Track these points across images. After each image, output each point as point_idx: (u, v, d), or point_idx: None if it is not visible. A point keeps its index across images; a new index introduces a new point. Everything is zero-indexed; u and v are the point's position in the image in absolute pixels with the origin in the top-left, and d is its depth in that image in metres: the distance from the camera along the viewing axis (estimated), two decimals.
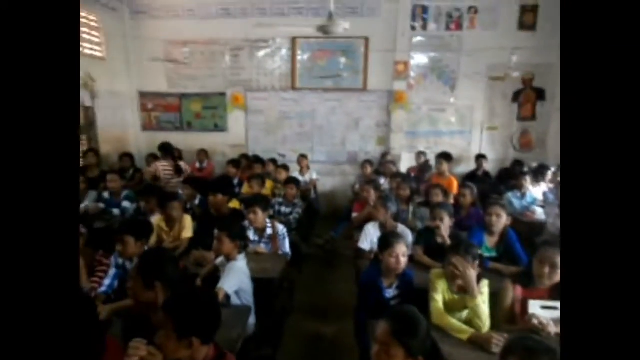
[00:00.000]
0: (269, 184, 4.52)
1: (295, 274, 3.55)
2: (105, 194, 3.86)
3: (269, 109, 6.05)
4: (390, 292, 1.98)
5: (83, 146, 5.12)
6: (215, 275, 2.23)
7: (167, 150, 4.73)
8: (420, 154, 5.63)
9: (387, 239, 1.96)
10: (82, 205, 3.61)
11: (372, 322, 1.80)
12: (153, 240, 2.76)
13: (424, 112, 6.00)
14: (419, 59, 5.83)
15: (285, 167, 4.78)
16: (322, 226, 5.18)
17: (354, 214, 3.57)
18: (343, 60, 5.83)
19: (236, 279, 2.02)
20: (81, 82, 4.97)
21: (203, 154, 5.92)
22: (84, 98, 5.04)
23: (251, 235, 2.74)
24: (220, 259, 2.24)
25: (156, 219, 2.92)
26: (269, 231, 2.81)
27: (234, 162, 5.00)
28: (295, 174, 4.95)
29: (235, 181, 4.75)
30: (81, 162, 4.92)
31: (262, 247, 2.73)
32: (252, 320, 2.16)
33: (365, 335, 1.81)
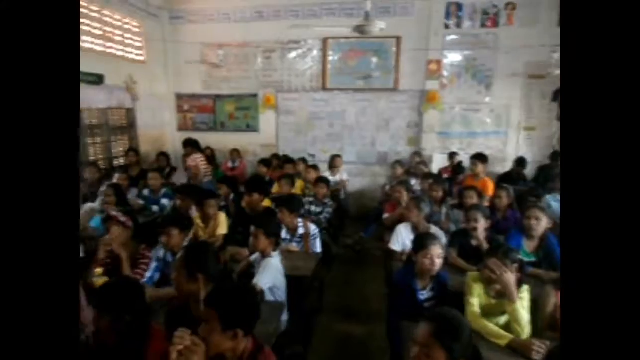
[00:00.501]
0: (299, 183, 4.57)
1: (325, 274, 3.58)
2: (145, 191, 4.05)
3: (300, 109, 6.12)
4: (424, 294, 1.96)
5: (125, 146, 5.41)
6: (249, 272, 2.29)
7: (194, 144, 5.21)
8: (453, 154, 5.50)
9: (422, 240, 1.94)
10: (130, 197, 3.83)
11: (405, 324, 1.80)
12: (190, 236, 2.87)
13: (457, 112, 5.85)
14: (453, 58, 5.69)
15: (315, 167, 4.81)
16: (352, 227, 5.18)
17: (385, 215, 3.54)
18: (374, 60, 5.80)
19: (271, 276, 2.07)
20: (124, 85, 5.25)
21: (235, 153, 6.07)
22: (126, 100, 5.32)
23: (283, 234, 2.79)
24: (255, 256, 2.29)
25: (193, 216, 3.04)
26: (300, 230, 2.84)
27: (265, 162, 5.11)
28: (325, 174, 4.98)
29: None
30: (123, 161, 5.21)
31: (294, 246, 2.77)
32: (284, 316, 2.20)
33: (398, 337, 1.80)
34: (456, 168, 5.12)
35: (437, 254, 1.89)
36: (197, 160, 4.86)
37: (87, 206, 3.40)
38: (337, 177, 5.29)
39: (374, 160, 6.06)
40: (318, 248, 2.90)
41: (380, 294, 3.47)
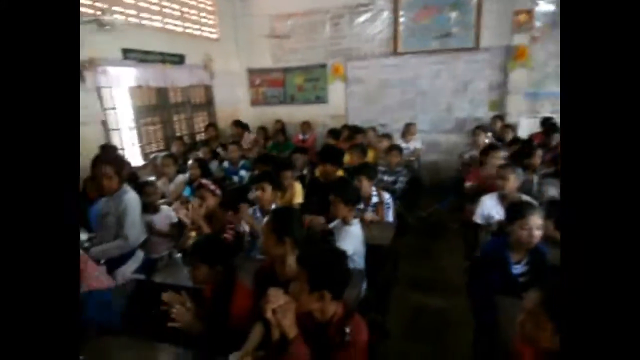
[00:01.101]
0: (371, 153, 4.46)
1: (400, 245, 3.50)
2: (225, 164, 4.30)
3: (369, 77, 5.90)
4: (518, 268, 1.79)
5: (204, 122, 5.77)
6: (327, 239, 2.32)
7: (244, 126, 5.70)
8: (546, 119, 4.89)
9: (520, 209, 1.75)
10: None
11: (498, 299, 1.67)
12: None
13: (550, 70, 5.13)
14: (545, 7, 4.93)
15: (388, 136, 4.64)
16: (426, 198, 4.97)
17: (468, 184, 3.30)
18: (452, 15, 5.27)
19: (352, 243, 2.07)
20: (202, 63, 5.53)
21: (306, 125, 6.12)
22: (204, 78, 5.61)
23: None
24: (335, 223, 2.31)
25: None
26: (374, 199, 2.78)
27: (334, 132, 5.05)
28: (398, 142, 4.79)
29: None
30: (203, 136, 5.58)
31: (371, 214, 2.73)
32: (363, 285, 2.20)
33: (488, 312, 1.68)
34: (549, 132, 4.55)
35: (536, 225, 1.70)
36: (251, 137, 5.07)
37: (179, 178, 3.72)
38: (411, 146, 5.07)
39: (450, 128, 5.66)
40: (391, 217, 2.83)
41: (457, 267, 3.31)
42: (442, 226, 4.45)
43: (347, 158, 4.56)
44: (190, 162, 3.53)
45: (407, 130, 5.14)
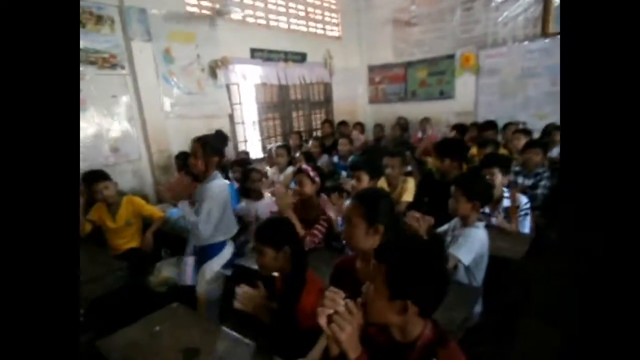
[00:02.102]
0: (504, 152, 3.73)
1: (536, 265, 2.76)
2: (335, 158, 4.21)
3: (507, 66, 5.01)
4: None
5: (322, 119, 5.84)
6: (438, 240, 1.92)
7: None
8: None
9: None
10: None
11: None
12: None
13: None
14: None
15: (526, 132, 3.80)
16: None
17: None
18: None
19: (471, 251, 1.64)
20: (322, 61, 5.61)
21: (425, 122, 5.59)
22: (324, 75, 5.68)
23: None
24: (453, 222, 1.89)
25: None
26: (505, 202, 2.21)
27: (459, 128, 4.42)
28: None
29: None
30: (319, 132, 5.64)
31: (503, 220, 2.18)
32: (478, 307, 1.73)
33: None
34: None
35: None
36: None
37: (290, 169, 3.78)
38: (555, 152, 4.03)
39: None
40: (526, 227, 2.21)
41: None
42: None
43: (473, 154, 3.94)
44: (298, 154, 3.53)
45: (551, 137, 4.08)
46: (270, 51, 4.76)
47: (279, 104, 5.11)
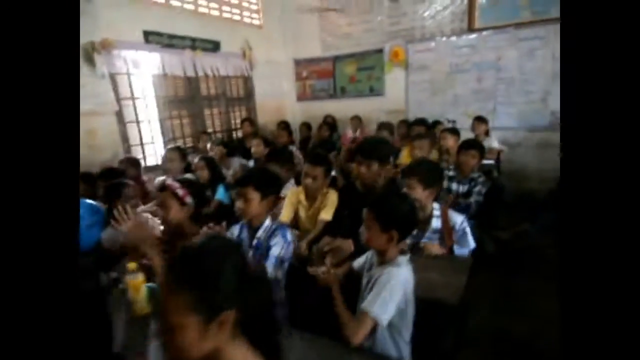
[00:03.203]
0: (434, 153, 3.42)
1: (474, 285, 2.42)
2: (251, 162, 3.59)
3: (436, 62, 4.79)
4: None
5: (242, 117, 5.16)
6: (352, 276, 1.41)
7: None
8: None
9: None
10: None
11: None
12: (287, 216, 2.17)
13: None
14: None
15: (454, 131, 3.54)
16: (508, 214, 3.74)
17: None
18: None
19: (393, 300, 1.14)
20: (240, 51, 4.94)
21: (356, 121, 5.22)
22: (243, 68, 5.01)
23: None
24: (367, 256, 1.39)
25: (293, 190, 2.30)
26: (435, 223, 1.77)
27: (386, 127, 4.05)
28: None
29: None
30: (239, 133, 4.96)
31: (434, 248, 1.73)
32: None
33: None
34: None
35: None
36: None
37: (186, 177, 3.09)
38: (485, 145, 3.88)
39: (545, 124, 4.31)
40: (471, 244, 1.79)
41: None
42: (534, 254, 3.22)
43: (405, 156, 3.59)
44: (196, 160, 2.84)
45: (476, 129, 3.97)
46: (172, 36, 3.98)
47: (187, 100, 4.34)
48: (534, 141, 4.39)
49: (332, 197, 2.13)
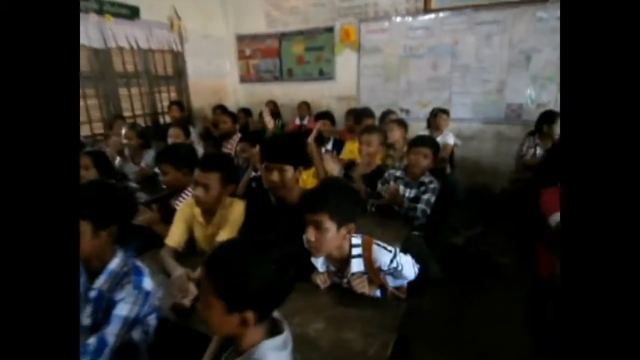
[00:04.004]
0: (382, 150, 3.01)
1: (419, 305, 2.06)
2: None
3: (390, 44, 4.36)
4: None
5: (171, 98, 4.47)
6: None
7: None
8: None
9: None
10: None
11: None
12: (176, 238, 1.64)
13: None
14: None
15: (401, 123, 3.14)
16: (460, 216, 3.46)
17: (553, 217, 1.76)
18: None
19: None
20: (167, 21, 4.20)
21: (304, 107, 4.74)
22: (170, 41, 4.29)
23: (318, 263, 1.32)
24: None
25: (187, 202, 1.76)
26: (355, 267, 1.28)
27: (326, 116, 3.52)
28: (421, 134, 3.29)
29: (330, 143, 3.37)
30: (167, 118, 4.29)
31: (361, 280, 1.28)
32: None
33: None
34: None
35: None
36: None
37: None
38: (439, 141, 3.53)
39: (501, 116, 4.05)
40: (408, 276, 1.38)
41: (524, 340, 1.86)
42: (488, 262, 2.95)
43: (347, 151, 3.17)
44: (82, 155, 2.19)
45: (435, 122, 3.60)
46: None
47: (93, 77, 3.59)
48: (489, 134, 4.14)
49: (237, 211, 1.63)
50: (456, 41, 4.05)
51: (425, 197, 2.11)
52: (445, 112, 3.60)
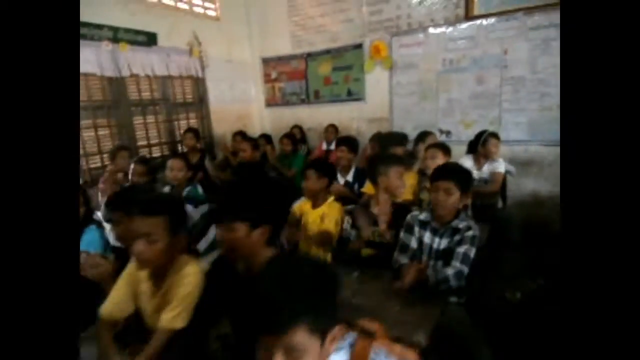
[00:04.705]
0: (411, 178, 2.47)
1: None
2: (166, 188, 2.67)
3: (426, 58, 3.85)
4: None
5: (189, 125, 4.27)
6: None
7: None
8: None
9: None
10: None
11: None
12: (111, 309, 1.24)
13: None
14: None
15: (444, 148, 2.56)
16: (518, 263, 2.76)
17: None
18: None
19: None
20: (186, 46, 4.07)
21: (331, 130, 4.34)
22: (190, 67, 4.14)
23: None
24: None
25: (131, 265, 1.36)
26: None
27: (345, 142, 3.03)
28: (466, 164, 2.69)
29: (351, 174, 2.87)
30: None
31: None
32: None
33: None
34: None
35: None
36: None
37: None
38: (487, 170, 2.87)
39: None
40: None
41: None
42: (550, 326, 2.23)
43: (368, 185, 2.66)
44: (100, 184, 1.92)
45: (485, 147, 2.93)
46: (85, 24, 3.12)
47: (106, 106, 3.46)
48: (550, 158, 3.40)
49: (190, 281, 1.18)
50: (506, 50, 3.44)
51: (460, 250, 1.53)
52: (495, 136, 2.93)
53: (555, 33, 3.20)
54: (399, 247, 1.65)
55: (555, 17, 3.18)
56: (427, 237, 1.65)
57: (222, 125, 4.58)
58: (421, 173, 2.58)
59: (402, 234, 1.71)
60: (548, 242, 3.00)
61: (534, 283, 2.56)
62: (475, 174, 2.71)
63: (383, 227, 1.78)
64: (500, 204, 2.81)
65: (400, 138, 2.93)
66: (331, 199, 2.04)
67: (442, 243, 1.61)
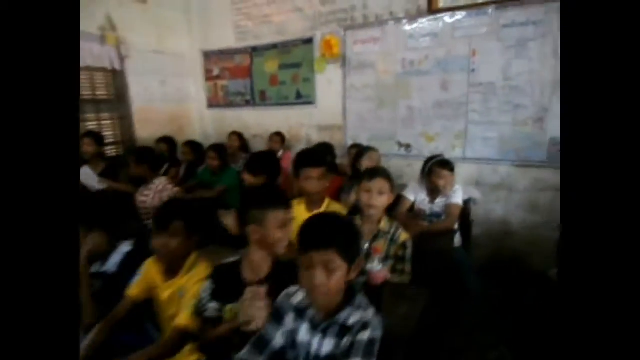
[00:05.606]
0: (353, 195, 1.85)
1: None
2: None
3: (384, 58, 3.26)
4: None
5: (113, 127, 3.56)
6: None
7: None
8: None
9: None
10: None
11: None
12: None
13: None
14: None
15: (446, 165, 1.93)
16: (475, 321, 2.19)
17: None
18: None
19: None
20: (96, 31, 3.35)
21: (277, 140, 3.72)
22: (105, 58, 3.41)
23: None
24: None
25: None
26: None
27: (311, 157, 2.38)
28: (412, 194, 2.08)
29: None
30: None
31: None
32: None
33: None
34: None
35: None
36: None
37: None
38: (441, 202, 2.22)
39: (542, 156, 2.76)
40: None
41: None
42: None
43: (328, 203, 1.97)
44: None
45: (430, 176, 2.26)
46: None
47: None
48: (524, 182, 2.85)
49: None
50: (474, 51, 2.87)
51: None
52: (444, 165, 2.17)
53: (533, 32, 2.66)
54: (252, 344, 1.01)
55: (534, 13, 2.63)
56: (302, 333, 1.01)
57: (148, 128, 3.86)
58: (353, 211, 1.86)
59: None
60: (517, 283, 2.45)
61: (492, 354, 1.97)
62: (427, 208, 2.12)
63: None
64: (458, 241, 2.21)
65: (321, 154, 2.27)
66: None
67: (324, 345, 0.97)
